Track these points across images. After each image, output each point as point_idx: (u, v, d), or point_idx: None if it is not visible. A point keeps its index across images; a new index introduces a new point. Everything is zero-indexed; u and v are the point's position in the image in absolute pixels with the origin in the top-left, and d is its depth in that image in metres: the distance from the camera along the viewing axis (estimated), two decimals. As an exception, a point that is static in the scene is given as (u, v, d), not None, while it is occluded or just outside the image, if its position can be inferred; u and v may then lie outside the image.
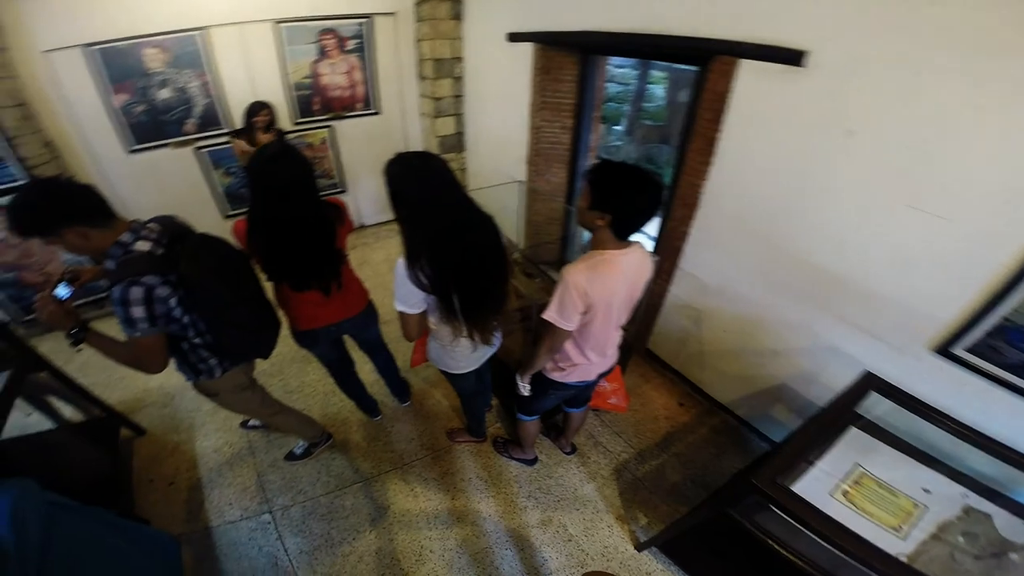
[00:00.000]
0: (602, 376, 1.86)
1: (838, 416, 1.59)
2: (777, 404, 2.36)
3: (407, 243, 1.36)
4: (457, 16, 3.77)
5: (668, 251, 2.50)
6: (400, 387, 2.70)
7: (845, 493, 1.40)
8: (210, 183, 3.95)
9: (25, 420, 2.44)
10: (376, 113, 4.32)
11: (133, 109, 3.43)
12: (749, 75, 1.88)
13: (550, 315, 1.43)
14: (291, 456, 2.48)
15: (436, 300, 1.44)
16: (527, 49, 3.03)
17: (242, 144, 3.39)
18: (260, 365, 2.05)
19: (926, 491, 1.41)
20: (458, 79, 4.06)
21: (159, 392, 2.94)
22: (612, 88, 5.78)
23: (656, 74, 5.56)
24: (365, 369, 2.57)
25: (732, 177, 2.11)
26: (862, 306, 1.83)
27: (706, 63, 2.01)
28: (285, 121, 3.88)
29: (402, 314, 1.49)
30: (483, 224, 1.43)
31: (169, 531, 2.16)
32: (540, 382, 1.80)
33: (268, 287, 1.80)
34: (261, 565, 2.07)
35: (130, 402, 2.86)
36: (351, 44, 3.88)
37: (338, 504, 2.29)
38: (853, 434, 1.57)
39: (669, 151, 5.12)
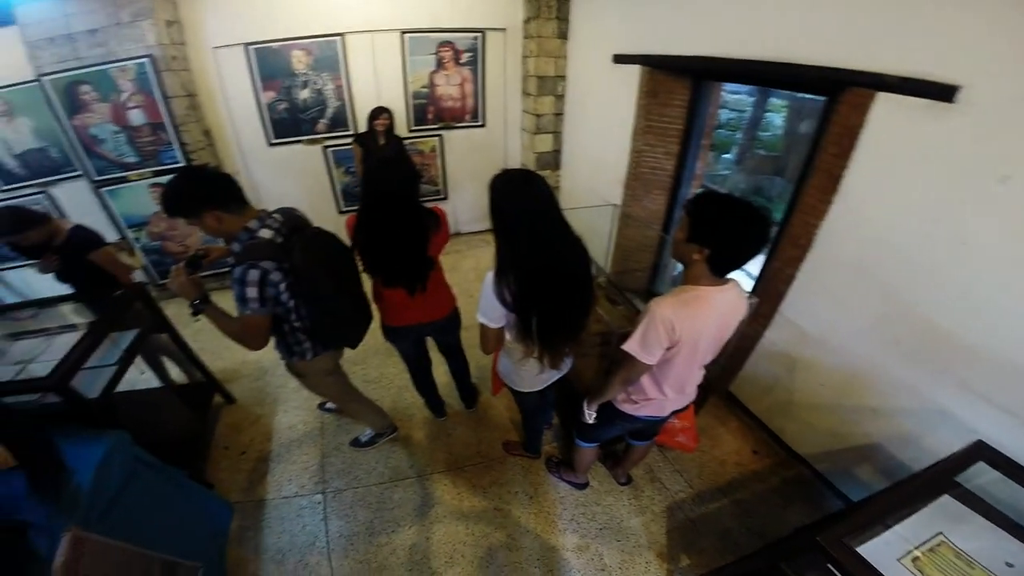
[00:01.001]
0: (675, 413, 1.75)
1: (933, 481, 1.43)
2: (864, 463, 2.12)
3: (499, 258, 1.39)
4: (563, 35, 3.84)
5: (769, 294, 2.31)
6: (469, 393, 2.75)
7: (915, 560, 1.23)
8: (331, 180, 4.35)
9: (137, 376, 2.70)
10: (482, 125, 4.50)
11: (277, 106, 3.90)
12: (887, 109, 1.69)
13: (631, 347, 1.37)
14: (356, 442, 2.62)
15: (516, 318, 1.45)
16: (634, 71, 2.99)
17: (360, 152, 3.71)
18: (347, 353, 2.18)
19: (1009, 565, 1.21)
20: (560, 97, 4.12)
21: (255, 365, 3.25)
22: (724, 114, 5.51)
23: (775, 102, 5.21)
24: (440, 370, 2.65)
25: (854, 219, 1.90)
26: (993, 375, 1.57)
27: (836, 94, 1.84)
28: (402, 128, 4.17)
29: (482, 326, 1.51)
30: (575, 251, 1.42)
31: (228, 498, 2.35)
32: (608, 411, 1.74)
33: (368, 283, 1.93)
34: (299, 543, 2.19)
35: (228, 371, 3.20)
36: (465, 57, 4.09)
37: (387, 496, 2.37)
38: (944, 501, 1.40)
39: (783, 185, 4.75)
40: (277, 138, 4.03)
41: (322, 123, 4.04)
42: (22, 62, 3.27)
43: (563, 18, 3.79)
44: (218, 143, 3.95)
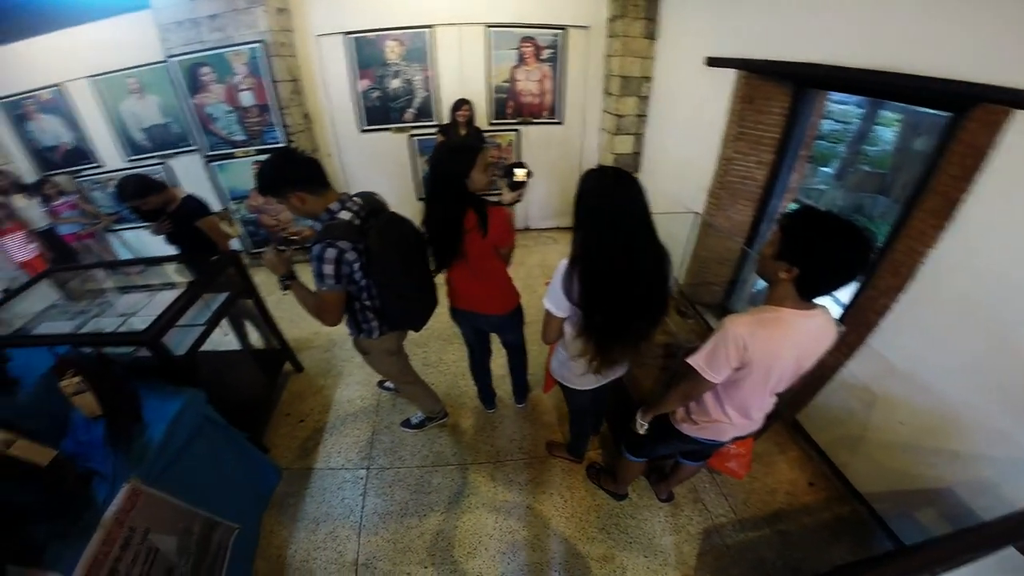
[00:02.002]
0: (737, 439, 1.65)
1: (1002, 532, 1.32)
2: (928, 507, 1.93)
3: (575, 250, 1.38)
4: (651, 35, 3.71)
5: (858, 323, 2.11)
6: (521, 388, 2.76)
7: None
8: (413, 168, 4.52)
9: (220, 338, 2.79)
10: (559, 123, 4.47)
11: (371, 94, 4.10)
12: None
13: (696, 361, 1.30)
14: (407, 423, 2.71)
15: (580, 314, 1.43)
16: (728, 75, 2.83)
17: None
18: (410, 336, 2.26)
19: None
20: (644, 98, 3.99)
21: (326, 337, 3.45)
22: (826, 125, 5.09)
23: (887, 115, 4.73)
24: (497, 363, 2.67)
25: (970, 249, 1.69)
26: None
27: (964, 110, 1.63)
28: (482, 120, 4.23)
29: (547, 312, 1.51)
30: (657, 262, 1.39)
31: (279, 464, 2.50)
32: (664, 428, 1.67)
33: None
34: (335, 514, 2.29)
35: (301, 340, 3.41)
36: (546, 53, 4.07)
37: (426, 480, 2.43)
38: (1008, 553, 1.28)
39: (886, 205, 4.32)
40: (368, 125, 4.25)
41: (409, 112, 4.20)
42: (154, 44, 3.68)
43: (651, 18, 3.67)
44: (315, 126, 4.22)
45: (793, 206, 2.88)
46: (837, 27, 2.11)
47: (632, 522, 2.23)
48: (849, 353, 2.19)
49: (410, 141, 4.34)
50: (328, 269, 1.56)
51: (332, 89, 4.12)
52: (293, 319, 3.48)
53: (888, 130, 4.78)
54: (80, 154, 4.37)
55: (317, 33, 3.89)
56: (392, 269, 1.70)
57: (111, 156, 4.37)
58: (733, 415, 1.47)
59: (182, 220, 2.56)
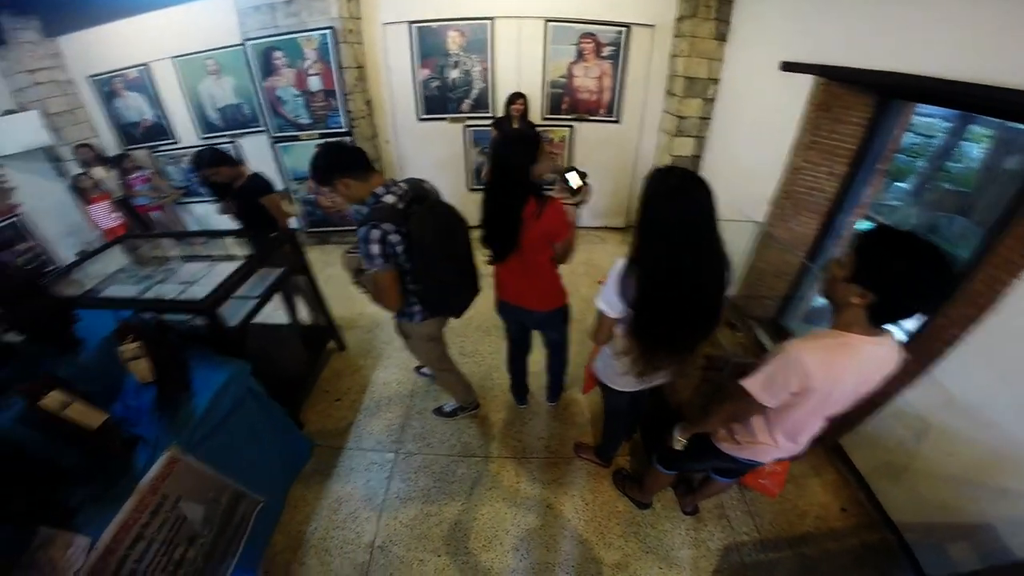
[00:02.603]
0: (777, 461, 1.57)
1: None
2: (963, 541, 1.85)
3: (634, 251, 1.35)
4: (721, 37, 3.56)
5: (923, 351, 1.95)
6: (556, 387, 2.73)
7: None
8: (467, 158, 4.55)
9: (271, 311, 2.83)
10: (615, 121, 4.37)
11: (430, 83, 4.16)
12: None
13: (752, 386, 1.23)
14: (439, 411, 2.75)
15: (631, 316, 1.40)
16: (804, 81, 2.67)
17: (496, 135, 3.76)
18: (450, 324, 2.28)
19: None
20: (709, 101, 3.84)
21: (370, 318, 3.54)
22: (908, 138, 4.72)
23: (977, 130, 4.33)
24: (533, 359, 2.65)
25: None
26: None
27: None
28: (535, 115, 4.20)
29: (600, 313, 1.49)
30: (717, 273, 1.34)
31: (312, 440, 2.57)
32: (702, 444, 1.60)
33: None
34: (357, 495, 2.34)
35: (346, 319, 3.51)
36: (607, 50, 3.98)
37: (451, 469, 2.45)
38: None
39: (966, 227, 3.96)
40: (426, 114, 4.31)
41: (466, 103, 4.23)
42: (233, 27, 3.86)
43: (723, 19, 3.53)
44: (376, 114, 4.33)
45: (864, 223, 2.69)
46: (931, 35, 1.95)
47: (652, 532, 2.17)
48: (908, 381, 2.04)
49: (465, 132, 4.38)
50: (375, 249, 1.63)
51: (394, 77, 4.21)
52: (340, 298, 3.59)
53: (976, 146, 4.39)
54: (159, 130, 4.68)
55: (384, 21, 3.97)
56: (432, 254, 1.73)
57: (187, 133, 4.65)
58: (780, 439, 1.40)
59: (247, 196, 2.70)
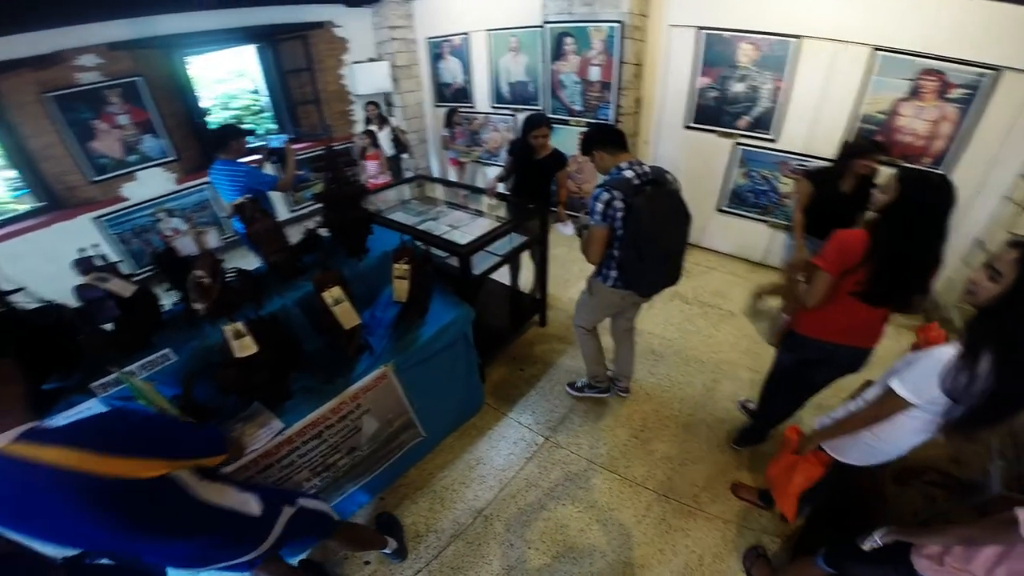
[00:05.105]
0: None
1: None
2: None
3: (991, 337, 1.14)
4: None
5: None
6: (761, 433, 2.43)
7: None
8: (726, 177, 4.19)
9: (501, 272, 3.10)
10: (941, 174, 3.44)
11: (707, 93, 3.95)
12: None
13: None
14: (571, 385, 2.89)
15: (951, 406, 1.22)
16: None
17: (805, 187, 2.87)
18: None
19: None
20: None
21: (568, 301, 3.63)
22: None
23: None
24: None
25: None
26: None
27: None
28: (828, 147, 3.60)
29: (891, 395, 1.33)
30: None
31: (485, 398, 2.77)
32: (894, 554, 1.32)
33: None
34: (495, 462, 2.48)
35: (556, 299, 3.68)
36: (956, 92, 3.13)
37: (586, 475, 2.42)
38: None
39: None
40: (694, 123, 4.13)
41: (744, 120, 3.88)
42: (536, 9, 4.27)
43: None
44: (643, 113, 4.33)
45: None
46: None
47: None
48: None
49: (734, 149, 4.04)
50: (598, 207, 1.94)
51: (669, 79, 4.12)
52: (557, 276, 3.77)
53: None
54: (463, 94, 5.54)
55: (671, 23, 3.89)
56: (645, 230, 1.91)
57: (482, 100, 5.40)
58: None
59: (547, 167, 3.00)
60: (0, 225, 3.87)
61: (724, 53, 3.76)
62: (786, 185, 3.86)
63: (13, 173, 3.96)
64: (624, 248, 2.01)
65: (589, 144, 2.07)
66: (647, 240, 1.93)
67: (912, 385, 1.28)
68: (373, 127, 5.11)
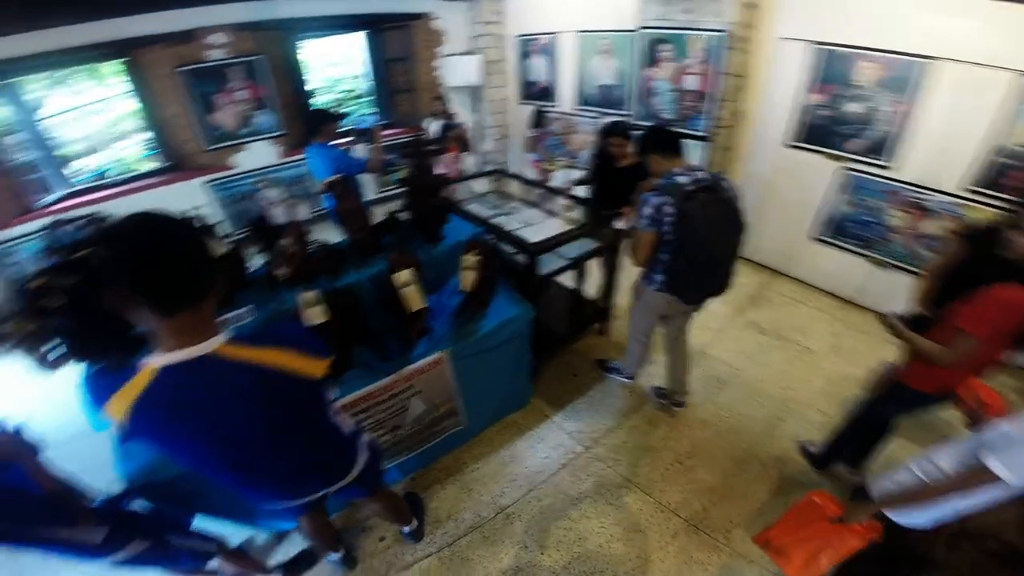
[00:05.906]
0: None
1: None
2: None
3: None
4: None
5: None
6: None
7: None
8: (825, 201, 3.84)
9: (565, 276, 3.08)
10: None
11: (817, 111, 3.64)
12: None
13: None
14: (600, 362, 3.01)
15: None
16: None
17: (958, 250, 2.04)
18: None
19: None
20: None
21: (624, 310, 3.46)
22: None
23: None
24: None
25: None
26: None
27: None
28: (948, 182, 3.23)
29: (983, 477, 1.26)
30: None
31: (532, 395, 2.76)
32: None
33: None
34: (531, 465, 2.46)
35: (620, 309, 3.47)
36: None
37: (619, 492, 2.37)
38: None
39: None
40: (797, 141, 3.82)
41: (855, 143, 3.53)
42: (631, 14, 4.14)
43: None
44: (740, 127, 4.09)
45: None
46: None
47: None
48: None
49: (838, 173, 3.69)
50: (647, 211, 1.96)
51: (774, 94, 3.84)
52: (624, 289, 3.62)
53: None
54: (547, 93, 5.52)
55: (780, 36, 3.62)
56: (695, 237, 1.91)
57: (566, 101, 5.35)
58: None
59: (629, 176, 2.80)
60: (132, 180, 4.46)
61: (840, 70, 3.45)
62: (896, 219, 3.49)
63: (150, 135, 4.52)
64: (673, 253, 2.02)
65: (646, 146, 2.10)
66: (697, 246, 1.94)
67: (1018, 468, 1.20)
68: (435, 120, 4.95)
